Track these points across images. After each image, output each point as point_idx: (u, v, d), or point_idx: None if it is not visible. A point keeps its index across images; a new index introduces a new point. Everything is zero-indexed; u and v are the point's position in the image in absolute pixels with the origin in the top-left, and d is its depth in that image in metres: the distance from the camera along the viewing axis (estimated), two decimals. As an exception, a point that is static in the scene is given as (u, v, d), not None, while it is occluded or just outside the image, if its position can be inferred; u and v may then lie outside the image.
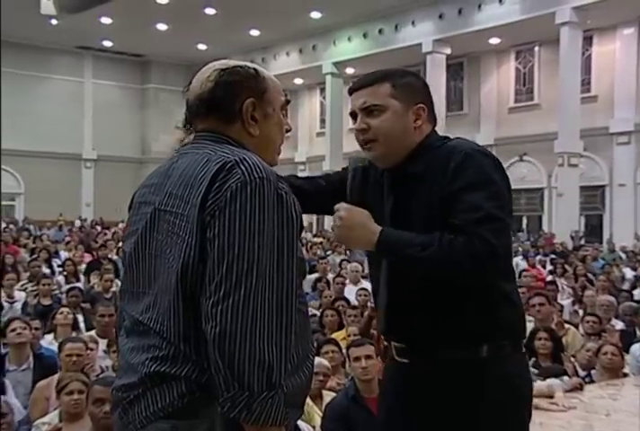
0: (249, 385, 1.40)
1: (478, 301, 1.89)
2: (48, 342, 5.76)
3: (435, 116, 2.05)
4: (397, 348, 1.98)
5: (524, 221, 22.29)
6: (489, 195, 1.83)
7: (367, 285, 9.23)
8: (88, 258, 12.38)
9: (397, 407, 2.00)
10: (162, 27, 24.26)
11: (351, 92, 2.02)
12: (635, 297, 9.20)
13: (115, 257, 12.23)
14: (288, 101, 1.79)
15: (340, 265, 10.78)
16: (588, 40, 20.01)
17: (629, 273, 11.99)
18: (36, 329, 5.61)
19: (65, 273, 10.36)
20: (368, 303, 7.64)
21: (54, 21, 23.27)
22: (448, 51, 21.57)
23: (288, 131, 1.79)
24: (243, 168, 1.50)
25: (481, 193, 1.82)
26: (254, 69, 1.72)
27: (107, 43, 26.98)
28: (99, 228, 20.83)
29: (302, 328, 1.59)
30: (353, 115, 2.01)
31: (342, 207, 1.89)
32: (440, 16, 21.01)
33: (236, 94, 1.67)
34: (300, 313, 1.56)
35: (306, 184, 2.20)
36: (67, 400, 3.69)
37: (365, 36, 23.17)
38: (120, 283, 9.49)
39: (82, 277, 10.44)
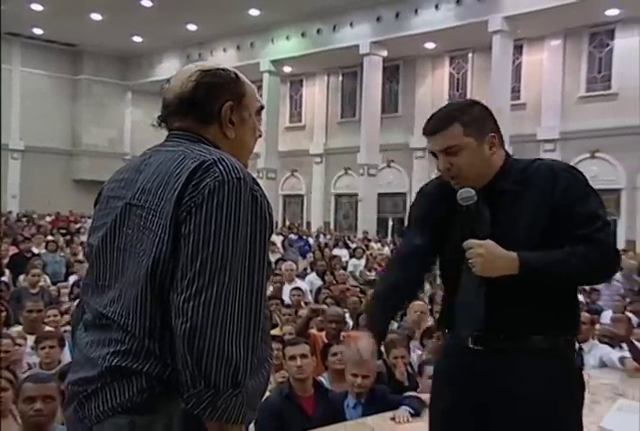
0: (215, 383, 1.41)
1: (556, 296, 2.10)
2: (-23, 338, 5.59)
3: (502, 137, 2.23)
4: (475, 337, 2.14)
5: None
6: (598, 204, 2.10)
7: (301, 284, 9.26)
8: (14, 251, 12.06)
9: (472, 393, 2.14)
10: (96, 17, 23.63)
11: (425, 134, 2.19)
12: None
13: (43, 251, 11.99)
14: (262, 107, 1.82)
15: (275, 264, 10.80)
16: (518, 49, 20.50)
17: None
18: (-38, 324, 5.46)
19: (-11, 267, 10.09)
20: (302, 303, 7.68)
21: (-21, 5, 22.49)
22: (385, 54, 21.76)
23: (259, 136, 1.83)
24: (221, 167, 1.52)
25: (592, 204, 2.08)
26: (235, 73, 1.74)
27: (37, 31, 26.09)
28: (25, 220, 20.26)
29: (264, 330, 1.60)
30: (434, 154, 2.19)
31: (475, 245, 2.05)
32: (378, 19, 21.19)
33: (217, 96, 1.69)
34: (264, 316, 1.57)
35: (417, 263, 2.32)
36: (-11, 399, 3.58)
37: (303, 35, 23.15)
38: (47, 278, 9.33)
39: (7, 272, 10.18)
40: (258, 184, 1.57)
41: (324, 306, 6.48)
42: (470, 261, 2.05)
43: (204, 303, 1.42)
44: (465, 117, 2.12)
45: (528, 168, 2.16)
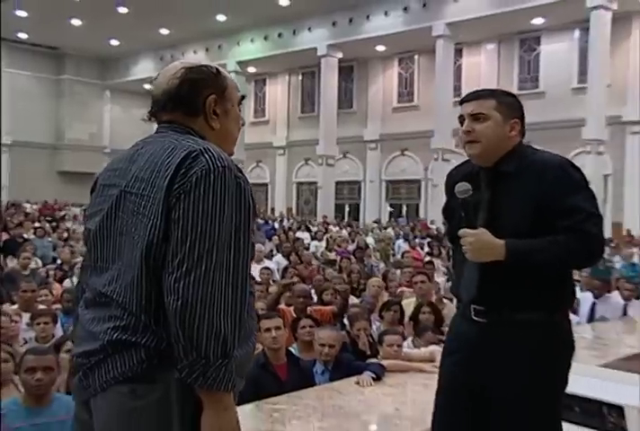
0: (206, 354, 1.40)
1: (547, 275, 2.08)
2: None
3: (525, 130, 2.22)
4: (477, 310, 2.15)
5: (404, 208, 22.88)
6: (585, 198, 2.06)
7: (269, 264, 9.25)
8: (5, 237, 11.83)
9: (471, 356, 2.15)
10: (76, 22, 23.33)
11: (462, 102, 2.22)
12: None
13: (32, 236, 11.78)
14: (243, 98, 1.79)
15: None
16: (459, 52, 20.72)
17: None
18: (-38, 304, 5.37)
19: (-17, 251, 9.88)
20: (270, 281, 7.68)
21: (-33, 12, 21.84)
22: (340, 55, 21.79)
23: (242, 125, 1.80)
24: (207, 157, 1.49)
25: (577, 197, 2.04)
26: (216, 68, 1.71)
27: (22, 35, 25.62)
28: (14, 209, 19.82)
29: (250, 305, 1.59)
30: (461, 119, 2.20)
31: (467, 234, 2.08)
32: (334, 24, 21.18)
33: (201, 90, 1.66)
34: (249, 292, 1.56)
35: None
36: (-7, 369, 3.54)
37: (266, 38, 23.06)
38: (38, 261, 9.17)
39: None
40: (242, 172, 1.54)
41: (295, 279, 6.45)
42: (463, 249, 2.09)
43: (194, 281, 1.41)
44: (501, 98, 2.18)
45: (529, 157, 2.15)
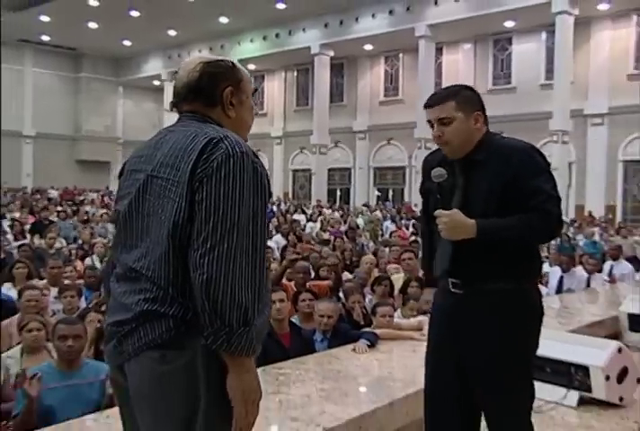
0: (229, 322, 1.40)
1: (514, 250, 2.08)
2: (7, 289, 5.54)
3: (487, 118, 2.19)
4: (454, 283, 2.15)
5: (390, 192, 22.88)
6: (546, 180, 2.06)
7: (269, 243, 9.23)
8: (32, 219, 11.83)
9: (450, 326, 2.15)
10: (93, 25, 23.20)
11: (425, 106, 2.17)
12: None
13: (55, 219, 11.74)
14: (256, 89, 1.77)
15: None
16: (439, 51, 20.60)
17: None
18: (-3, 278, 5.38)
19: (13, 232, 9.87)
20: (271, 259, 7.65)
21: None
22: (332, 54, 21.69)
23: (255, 114, 1.77)
24: (227, 143, 1.47)
25: (539, 180, 2.04)
26: (232, 62, 1.69)
27: (45, 37, 25.56)
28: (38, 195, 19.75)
29: (266, 278, 1.58)
30: (430, 124, 2.16)
31: (442, 214, 2.07)
32: (326, 25, 21.05)
33: (218, 83, 1.63)
34: (265, 267, 1.55)
35: None
36: (28, 337, 3.56)
37: (264, 38, 22.89)
38: (63, 241, 9.11)
39: (28, 236, 9.99)
40: (258, 157, 1.52)
41: (299, 256, 6.41)
42: (438, 228, 2.08)
43: (217, 257, 1.40)
44: (458, 96, 2.12)
45: (497, 143, 2.13)
